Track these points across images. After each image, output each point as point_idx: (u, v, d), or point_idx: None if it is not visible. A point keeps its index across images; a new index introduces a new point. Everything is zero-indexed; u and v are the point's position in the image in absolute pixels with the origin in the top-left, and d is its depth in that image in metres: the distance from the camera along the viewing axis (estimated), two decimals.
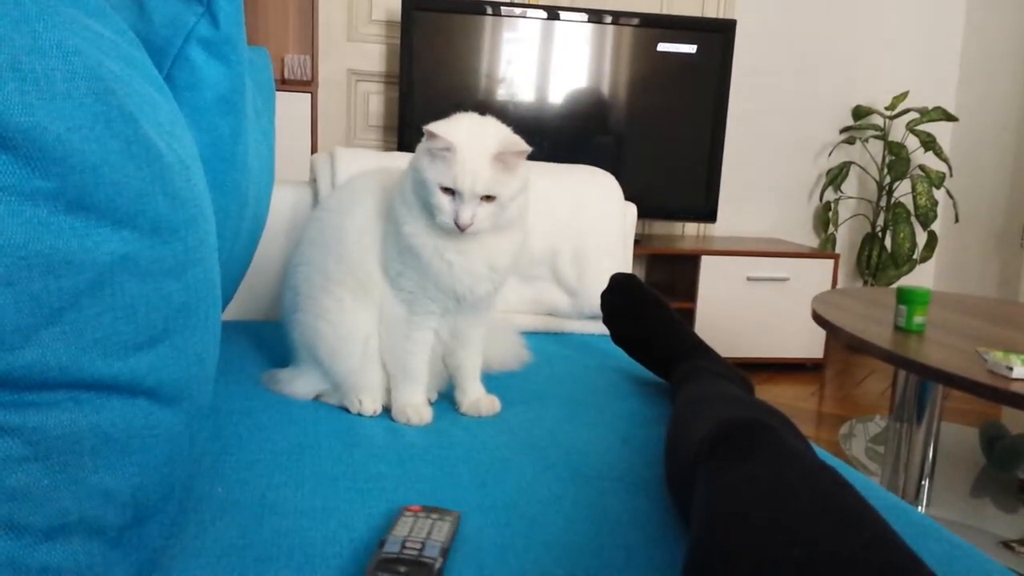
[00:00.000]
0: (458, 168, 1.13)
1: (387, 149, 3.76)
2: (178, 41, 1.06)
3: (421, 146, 1.18)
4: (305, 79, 3.38)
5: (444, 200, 1.15)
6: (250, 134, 1.27)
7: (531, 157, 1.23)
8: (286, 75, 3.38)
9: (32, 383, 0.57)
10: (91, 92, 0.61)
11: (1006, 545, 2.15)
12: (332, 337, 1.26)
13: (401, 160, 1.25)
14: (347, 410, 1.27)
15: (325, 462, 1.05)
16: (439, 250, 1.20)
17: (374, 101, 3.79)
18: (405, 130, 3.49)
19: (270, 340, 1.55)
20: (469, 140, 1.14)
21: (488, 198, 1.16)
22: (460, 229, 1.15)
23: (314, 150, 3.33)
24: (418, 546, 0.79)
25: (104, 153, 0.61)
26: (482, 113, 1.23)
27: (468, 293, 1.23)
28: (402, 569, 0.75)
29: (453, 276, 1.21)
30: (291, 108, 3.21)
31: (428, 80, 3.50)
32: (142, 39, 1.02)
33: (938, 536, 0.93)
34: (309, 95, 3.30)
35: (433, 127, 1.14)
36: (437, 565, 0.77)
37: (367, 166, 1.56)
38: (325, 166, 1.86)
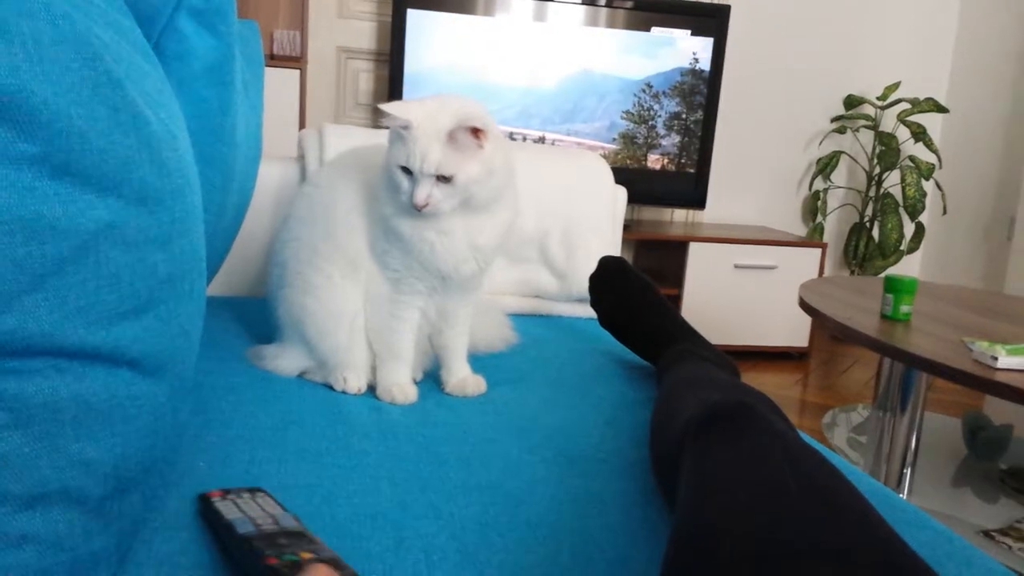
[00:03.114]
0: (411, 147, 1.11)
1: (376, 128, 3.75)
2: (168, 10, 1.05)
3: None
4: (295, 55, 3.36)
5: (403, 180, 1.14)
6: (238, 107, 1.26)
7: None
8: (275, 51, 3.35)
9: (14, 350, 0.56)
10: (79, 57, 0.60)
11: (986, 534, 2.16)
12: (319, 314, 1.25)
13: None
14: (332, 388, 1.26)
15: (309, 439, 1.04)
16: (418, 230, 1.18)
17: (364, 79, 3.77)
18: None
19: (255, 316, 1.54)
20: (426, 118, 1.12)
21: (444, 178, 1.13)
22: (417, 209, 1.13)
23: (302, 127, 3.31)
24: (270, 519, 0.76)
25: (91, 119, 0.60)
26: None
27: (453, 273, 1.22)
28: (283, 540, 0.72)
29: (435, 256, 1.20)
30: (280, 84, 3.19)
31: (419, 59, 3.48)
32: (131, 7, 1.00)
33: (921, 523, 0.94)
34: (298, 71, 3.28)
35: (387, 105, 1.12)
36: (308, 530, 0.76)
37: (356, 143, 1.55)
38: (313, 142, 1.84)
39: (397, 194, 1.16)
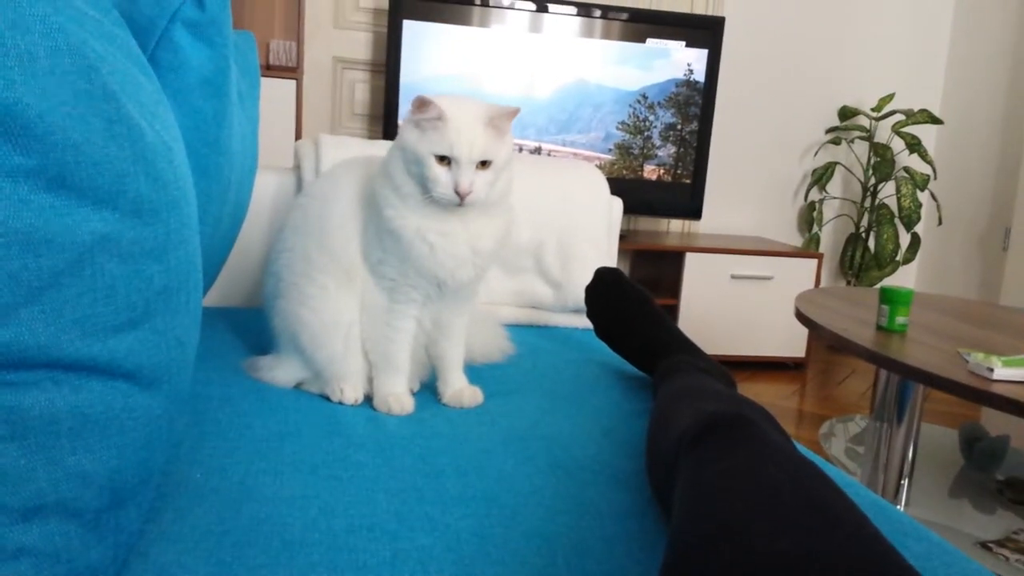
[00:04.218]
0: (453, 134, 1.12)
1: (372, 139, 3.75)
2: (163, 21, 1.05)
3: (407, 121, 1.17)
4: (290, 65, 3.36)
5: (440, 171, 1.14)
6: (234, 118, 1.26)
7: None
8: (271, 61, 3.36)
9: (9, 362, 0.56)
10: (74, 69, 0.60)
11: (983, 546, 2.16)
12: (314, 324, 1.25)
13: (386, 149, 1.24)
14: (328, 399, 1.26)
15: (305, 450, 1.04)
16: (421, 232, 1.18)
17: (360, 89, 3.77)
18: (391, 119, 3.47)
19: (251, 327, 1.54)
20: (458, 108, 1.14)
21: (483, 164, 1.15)
22: (460, 198, 1.14)
23: (298, 137, 3.31)
24: None
25: (86, 131, 0.60)
26: None
27: (450, 278, 1.22)
28: None
29: (435, 259, 1.20)
30: (276, 94, 3.19)
31: (415, 70, 3.48)
32: (126, 19, 1.01)
33: (917, 534, 0.94)
34: (294, 82, 3.28)
35: (429, 96, 1.13)
36: None
37: (352, 153, 1.55)
38: (309, 153, 1.84)
39: (423, 190, 1.16)
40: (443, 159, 1.14)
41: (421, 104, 1.14)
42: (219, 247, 1.38)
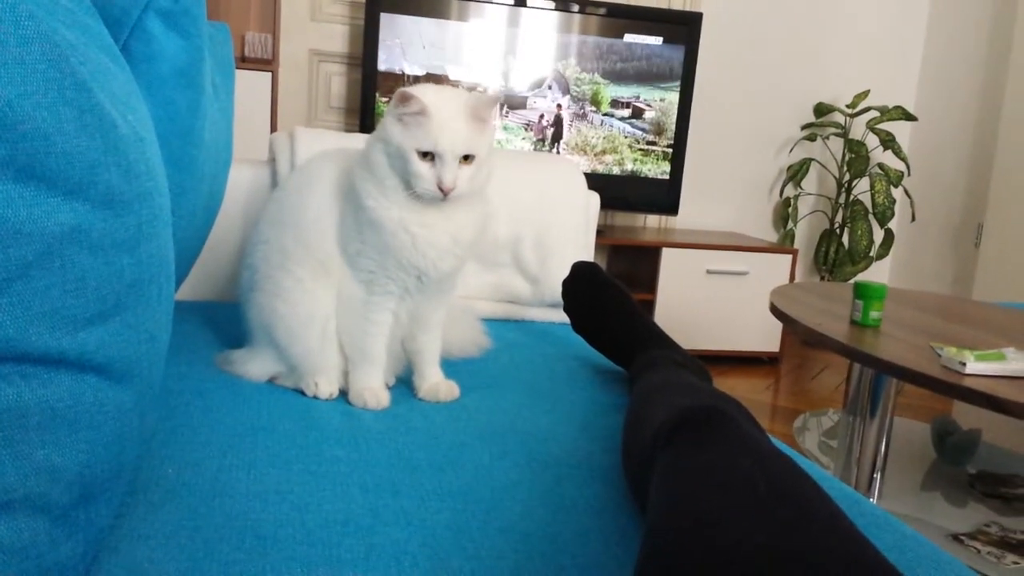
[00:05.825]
0: (436, 130, 1.11)
1: (348, 131, 3.73)
2: (136, 11, 1.03)
3: (390, 114, 1.15)
4: (266, 58, 3.34)
5: (423, 167, 1.13)
6: (208, 110, 1.25)
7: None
8: (247, 53, 3.33)
9: None
10: (44, 58, 0.59)
11: (955, 538, 2.18)
12: (290, 318, 1.24)
13: (362, 142, 1.23)
14: (303, 393, 1.25)
15: (279, 445, 1.04)
16: (403, 223, 1.17)
17: (336, 82, 3.75)
18: (367, 113, 3.46)
19: (225, 321, 1.53)
20: (440, 101, 1.13)
21: (466, 158, 1.14)
22: (444, 194, 1.13)
23: (273, 130, 3.29)
24: None
25: (56, 121, 0.59)
26: None
27: (431, 269, 1.21)
28: None
29: (416, 250, 1.19)
30: (251, 87, 3.17)
31: (392, 63, 3.47)
32: (99, 8, 0.99)
33: (890, 527, 0.94)
34: (270, 74, 3.25)
35: (405, 89, 1.12)
36: None
37: (327, 146, 1.54)
38: (284, 146, 1.83)
39: (405, 185, 1.15)
40: (426, 155, 1.13)
41: (403, 98, 1.12)
42: (192, 240, 1.37)
